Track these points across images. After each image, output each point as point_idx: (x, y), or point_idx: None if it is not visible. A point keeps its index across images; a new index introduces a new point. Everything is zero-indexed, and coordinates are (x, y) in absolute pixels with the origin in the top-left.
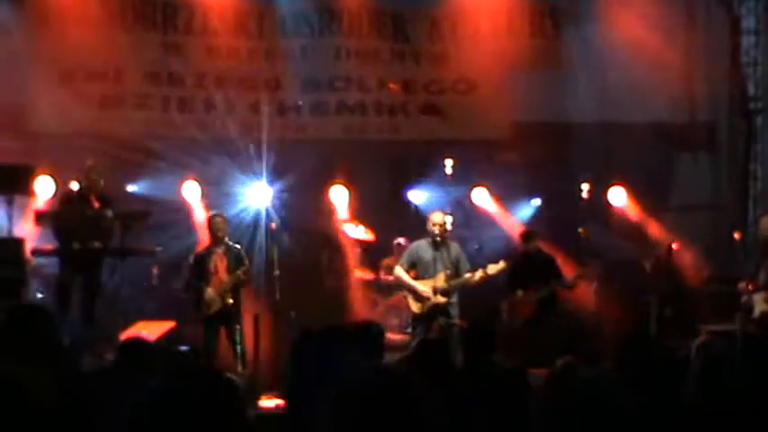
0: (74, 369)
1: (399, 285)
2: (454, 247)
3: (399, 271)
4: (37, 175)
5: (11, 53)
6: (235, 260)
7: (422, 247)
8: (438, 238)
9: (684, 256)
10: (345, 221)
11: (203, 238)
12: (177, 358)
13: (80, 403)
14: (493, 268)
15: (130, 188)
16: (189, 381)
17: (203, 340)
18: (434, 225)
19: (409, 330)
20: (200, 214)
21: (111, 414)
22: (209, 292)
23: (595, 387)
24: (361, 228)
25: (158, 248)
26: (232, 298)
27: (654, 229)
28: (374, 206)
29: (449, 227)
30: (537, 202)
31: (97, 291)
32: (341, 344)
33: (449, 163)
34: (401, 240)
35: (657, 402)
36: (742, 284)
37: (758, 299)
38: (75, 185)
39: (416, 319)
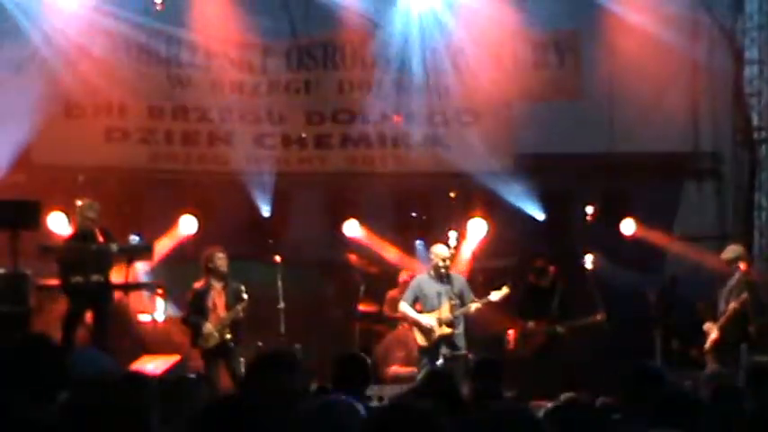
0: (81, 402)
1: (404, 319)
2: (458, 280)
3: (404, 306)
4: (44, 211)
5: (19, 88)
6: (233, 297)
7: (425, 281)
8: (442, 271)
9: None
10: (352, 253)
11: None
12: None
13: None
14: (496, 295)
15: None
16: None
17: (205, 372)
18: (438, 258)
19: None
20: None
21: None
22: (208, 326)
23: (596, 422)
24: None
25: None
26: (230, 333)
27: (660, 260)
28: (380, 238)
29: (450, 261)
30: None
31: (106, 324)
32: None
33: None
34: (406, 275)
35: None
36: (706, 326)
37: (712, 329)
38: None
39: (423, 350)
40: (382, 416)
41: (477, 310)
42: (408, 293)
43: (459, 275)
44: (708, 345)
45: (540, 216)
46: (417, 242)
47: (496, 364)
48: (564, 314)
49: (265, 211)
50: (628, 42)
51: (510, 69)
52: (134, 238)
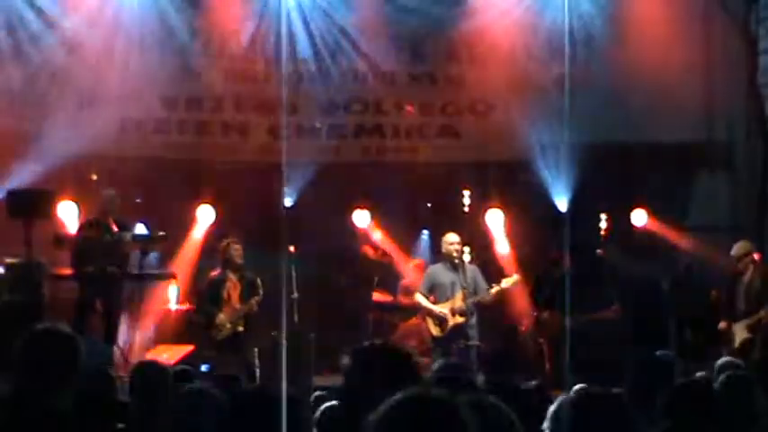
0: (94, 392)
1: (419, 309)
2: (471, 269)
3: (419, 297)
4: (57, 200)
5: (32, 78)
6: (248, 289)
7: (438, 270)
8: (455, 260)
9: None
10: (365, 244)
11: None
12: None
13: (102, 425)
14: (507, 281)
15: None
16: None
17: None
18: (450, 247)
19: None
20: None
21: None
22: (221, 317)
23: (610, 412)
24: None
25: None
26: (243, 325)
27: (673, 249)
28: (393, 228)
29: (464, 249)
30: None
31: (117, 314)
32: None
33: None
34: (418, 263)
35: (677, 427)
36: (722, 325)
37: (738, 328)
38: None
39: (436, 340)
40: (401, 405)
41: (491, 298)
42: (424, 283)
43: (471, 264)
44: (737, 345)
45: (558, 206)
46: (424, 232)
47: (510, 354)
48: (577, 306)
49: (289, 201)
50: (641, 32)
51: (523, 59)
52: (140, 226)
